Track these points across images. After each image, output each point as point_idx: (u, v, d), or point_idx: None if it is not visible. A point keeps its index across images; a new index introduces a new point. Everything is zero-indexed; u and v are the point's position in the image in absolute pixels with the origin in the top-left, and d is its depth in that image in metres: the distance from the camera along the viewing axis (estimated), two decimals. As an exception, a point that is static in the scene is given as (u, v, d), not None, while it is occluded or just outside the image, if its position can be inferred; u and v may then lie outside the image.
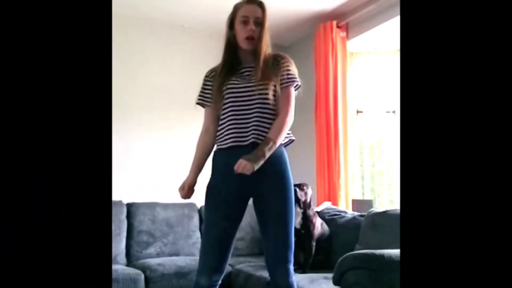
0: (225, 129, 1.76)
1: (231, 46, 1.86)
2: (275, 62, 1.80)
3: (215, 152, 1.83)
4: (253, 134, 1.71)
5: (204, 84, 1.90)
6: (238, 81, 1.79)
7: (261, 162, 1.64)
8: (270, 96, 1.74)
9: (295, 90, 1.83)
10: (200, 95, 1.89)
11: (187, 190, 1.82)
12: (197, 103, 1.89)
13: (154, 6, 3.62)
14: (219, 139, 1.78)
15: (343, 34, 3.69)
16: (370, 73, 3.84)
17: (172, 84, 3.86)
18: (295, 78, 1.81)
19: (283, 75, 1.78)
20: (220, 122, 1.79)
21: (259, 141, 1.70)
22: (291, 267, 1.76)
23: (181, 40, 3.99)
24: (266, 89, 1.73)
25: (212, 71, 1.90)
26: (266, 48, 1.81)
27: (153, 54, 3.84)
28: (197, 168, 1.86)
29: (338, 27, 3.68)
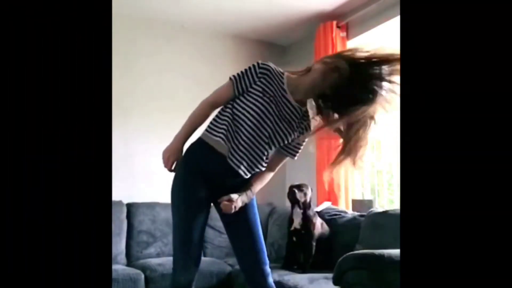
0: (239, 132, 1.66)
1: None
2: (305, 115, 1.73)
3: (200, 144, 1.72)
4: (252, 160, 1.69)
5: (250, 72, 1.68)
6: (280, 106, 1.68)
7: None
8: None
9: None
10: (240, 76, 1.68)
11: (173, 162, 1.77)
12: (232, 79, 1.69)
13: (154, 6, 3.62)
14: (221, 133, 1.67)
15: (343, 34, 3.69)
16: (370, 73, 3.84)
17: (172, 84, 3.87)
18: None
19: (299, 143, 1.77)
20: (234, 129, 1.67)
21: (246, 170, 1.68)
22: (268, 268, 1.79)
23: (181, 40, 3.99)
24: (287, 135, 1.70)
25: (268, 67, 1.69)
26: None
27: (153, 54, 3.85)
28: (188, 137, 1.75)
29: (338, 27, 3.68)
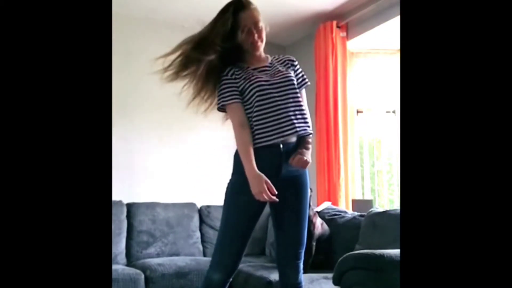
0: (265, 125, 1.73)
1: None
2: (289, 62, 1.93)
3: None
4: (296, 127, 1.74)
5: (227, 83, 1.81)
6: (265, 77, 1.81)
7: None
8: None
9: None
10: (226, 92, 1.79)
11: (268, 186, 1.65)
12: (228, 102, 1.78)
13: (154, 6, 3.62)
14: (260, 136, 1.73)
15: (343, 34, 3.70)
16: (370, 73, 3.84)
17: (172, 84, 3.86)
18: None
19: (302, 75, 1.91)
20: (257, 119, 1.74)
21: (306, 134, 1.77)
22: (301, 265, 1.81)
23: (181, 40, 3.99)
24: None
25: (231, 69, 1.83)
26: None
27: (153, 54, 3.83)
28: (254, 162, 1.69)
29: (338, 27, 3.68)
